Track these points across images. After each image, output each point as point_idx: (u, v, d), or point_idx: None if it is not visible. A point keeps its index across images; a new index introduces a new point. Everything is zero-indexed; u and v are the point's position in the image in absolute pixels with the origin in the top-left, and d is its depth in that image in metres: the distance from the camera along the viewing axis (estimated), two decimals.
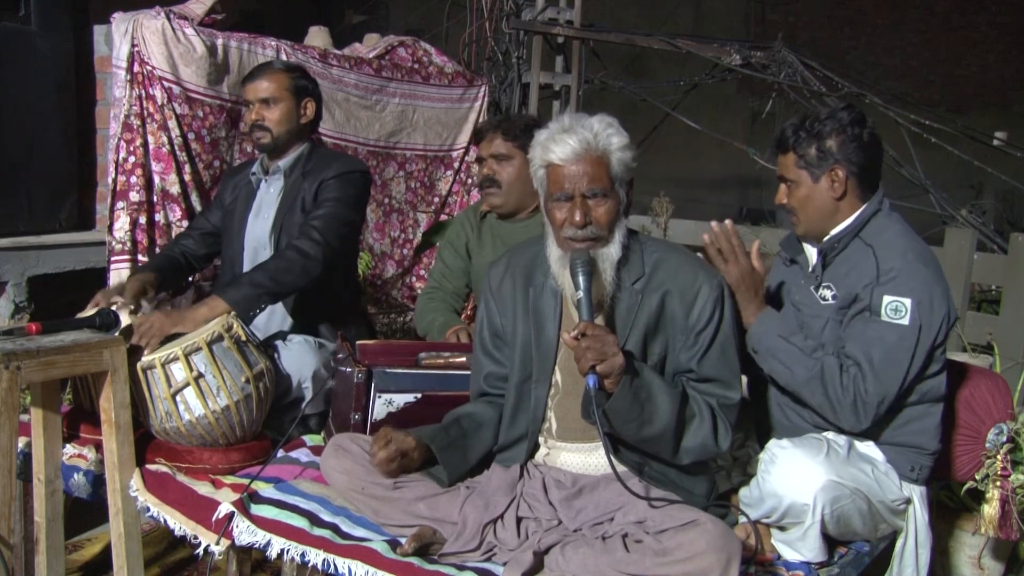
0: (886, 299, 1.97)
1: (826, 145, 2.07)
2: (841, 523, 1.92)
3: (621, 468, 1.78)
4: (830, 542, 1.96)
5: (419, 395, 2.22)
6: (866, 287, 2.00)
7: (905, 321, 1.95)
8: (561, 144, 1.80)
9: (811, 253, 2.20)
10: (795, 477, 1.87)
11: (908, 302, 1.95)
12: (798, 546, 1.92)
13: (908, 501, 2.08)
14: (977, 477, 2.30)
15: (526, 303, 1.96)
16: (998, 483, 2.26)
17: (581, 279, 1.77)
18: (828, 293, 2.10)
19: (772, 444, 1.97)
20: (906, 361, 1.96)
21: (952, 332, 3.51)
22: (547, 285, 1.92)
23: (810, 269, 2.18)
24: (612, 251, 1.83)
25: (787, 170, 2.14)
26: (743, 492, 2.02)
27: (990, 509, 2.28)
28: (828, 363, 1.99)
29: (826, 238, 2.13)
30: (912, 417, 2.07)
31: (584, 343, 1.68)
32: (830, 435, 2.04)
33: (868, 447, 2.07)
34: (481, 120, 4.64)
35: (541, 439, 1.96)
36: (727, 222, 2.13)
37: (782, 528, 1.94)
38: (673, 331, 1.87)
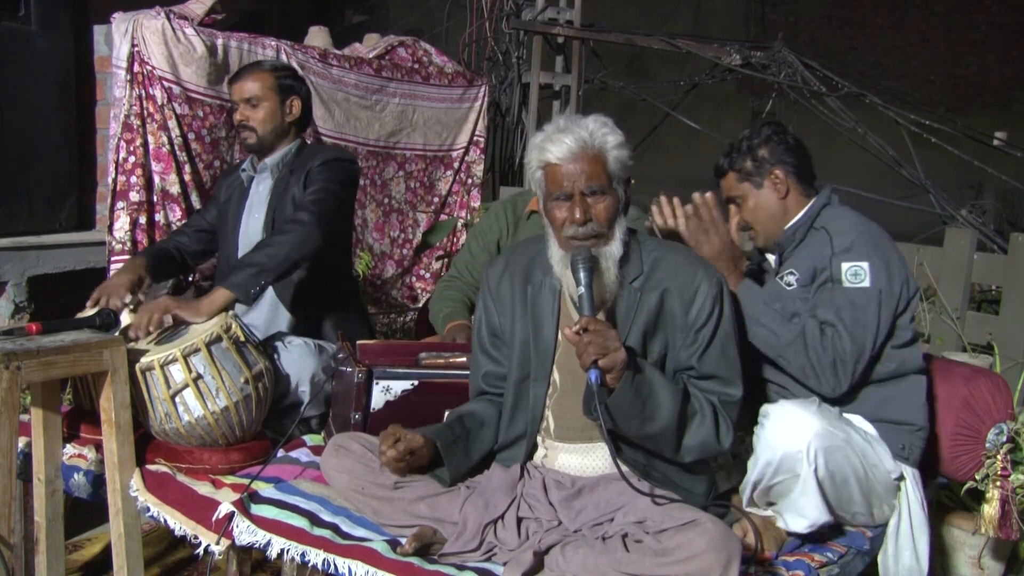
0: (844, 265, 2.08)
1: (759, 154, 2.26)
2: (837, 481, 1.94)
3: (623, 468, 1.78)
4: (832, 525, 1.98)
5: (416, 382, 2.22)
6: (825, 259, 2.11)
7: (866, 283, 2.06)
8: (558, 144, 1.81)
9: (772, 260, 2.31)
10: (788, 428, 1.91)
11: (865, 265, 2.07)
12: (800, 505, 1.92)
13: (902, 477, 2.10)
14: (977, 477, 2.30)
15: (524, 302, 1.96)
16: (998, 483, 2.27)
17: (582, 275, 1.77)
18: (792, 278, 2.20)
19: (765, 406, 2.01)
20: (874, 321, 2.06)
21: (952, 332, 3.54)
22: (545, 284, 1.93)
23: (773, 265, 2.30)
24: (614, 248, 1.84)
25: (731, 189, 2.30)
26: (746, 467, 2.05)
27: (990, 509, 2.29)
28: (810, 324, 2.08)
29: (782, 234, 2.24)
30: (896, 394, 2.13)
31: (586, 338, 1.68)
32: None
33: (859, 421, 2.11)
34: (480, 120, 4.66)
35: (539, 439, 1.96)
36: (708, 194, 2.24)
37: (781, 495, 1.94)
38: (672, 329, 1.87)
